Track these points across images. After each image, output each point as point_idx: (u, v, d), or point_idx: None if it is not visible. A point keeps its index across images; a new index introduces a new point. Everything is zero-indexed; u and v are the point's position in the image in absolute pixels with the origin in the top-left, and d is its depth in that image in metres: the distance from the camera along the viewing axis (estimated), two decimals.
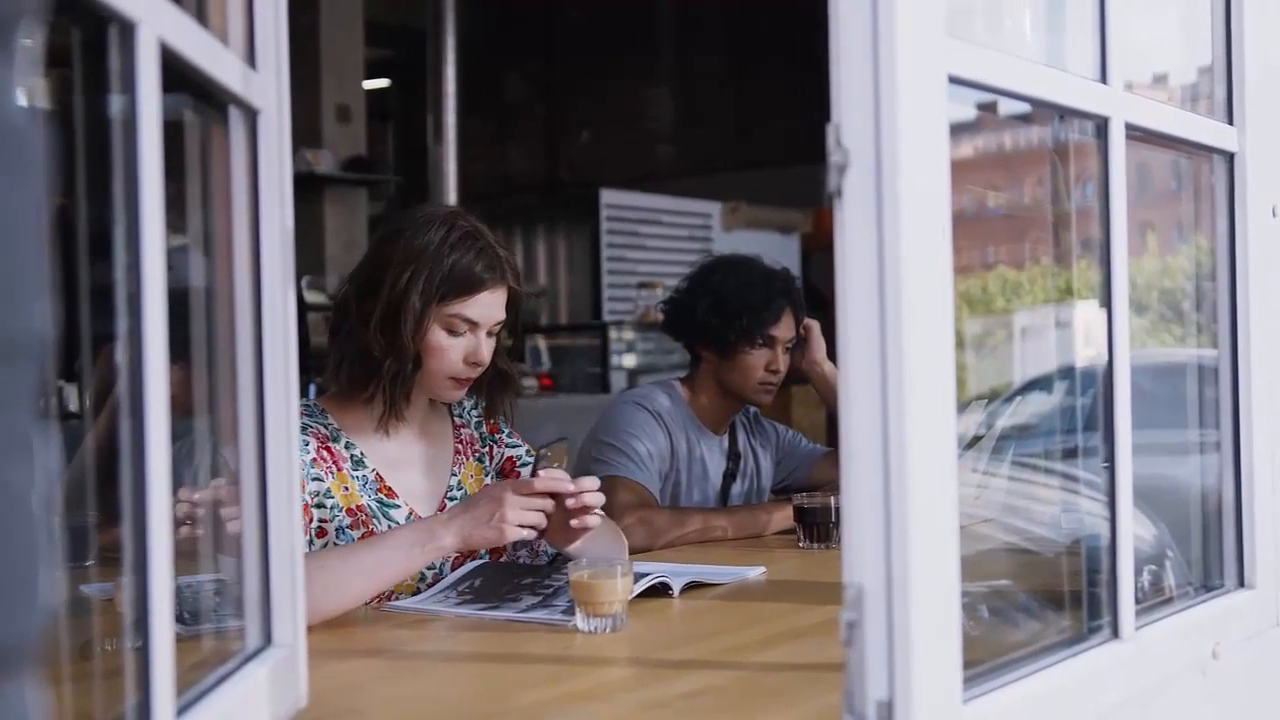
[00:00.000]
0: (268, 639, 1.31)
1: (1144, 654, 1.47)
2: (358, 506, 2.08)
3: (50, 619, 0.59)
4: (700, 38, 9.73)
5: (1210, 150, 1.73)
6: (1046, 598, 1.62)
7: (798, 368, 2.97)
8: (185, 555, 1.31)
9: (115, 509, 0.97)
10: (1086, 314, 1.67)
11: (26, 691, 0.57)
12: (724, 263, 2.96)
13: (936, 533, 1.12)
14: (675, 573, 2.09)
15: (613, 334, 7.56)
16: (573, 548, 2.05)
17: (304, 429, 2.05)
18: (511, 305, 2.15)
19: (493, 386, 2.22)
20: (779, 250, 7.36)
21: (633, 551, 2.53)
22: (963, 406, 1.21)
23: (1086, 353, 1.73)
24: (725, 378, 2.89)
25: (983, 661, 1.25)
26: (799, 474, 3.08)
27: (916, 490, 1.09)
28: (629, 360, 7.56)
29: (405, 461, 2.17)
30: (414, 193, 7.55)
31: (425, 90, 7.35)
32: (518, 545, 2.21)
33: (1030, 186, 1.91)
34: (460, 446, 2.26)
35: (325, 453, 2.08)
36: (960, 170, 1.18)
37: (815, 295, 4.82)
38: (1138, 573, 1.50)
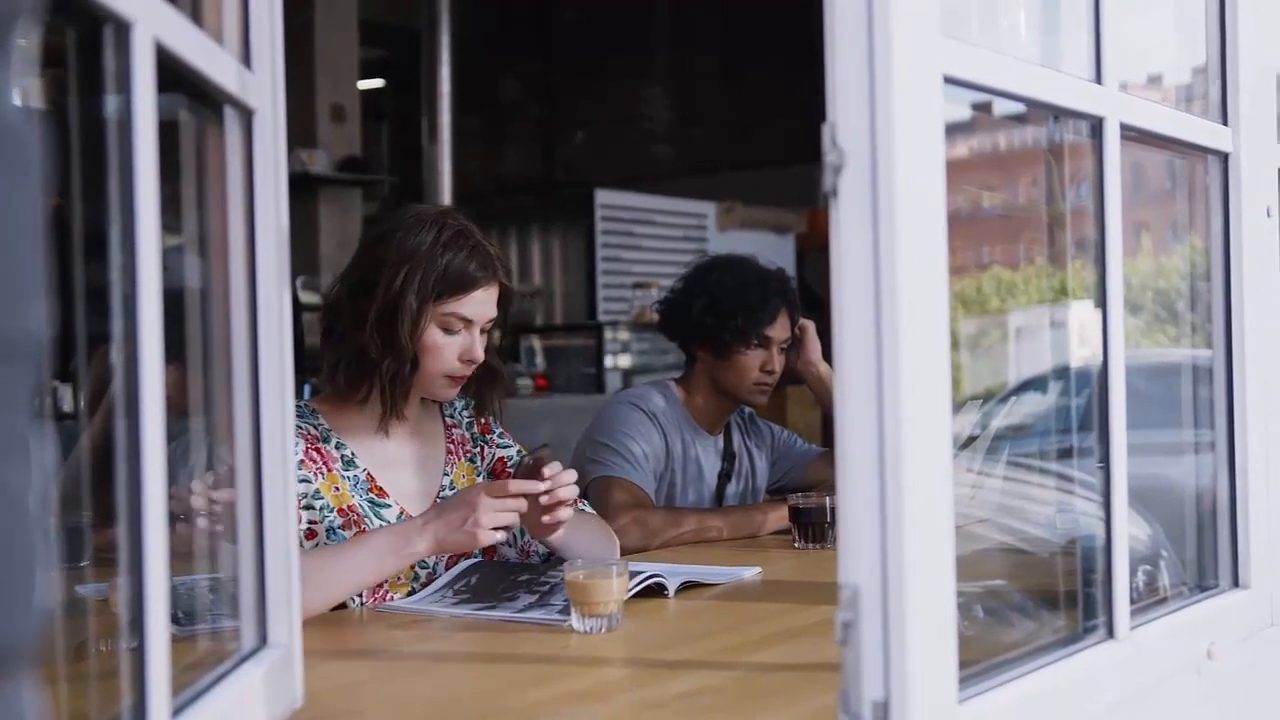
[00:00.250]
0: (263, 639, 1.30)
1: (1139, 654, 1.47)
2: (349, 506, 2.08)
3: (47, 619, 0.59)
4: (695, 38, 9.73)
5: (1205, 151, 1.74)
6: (1041, 598, 1.62)
7: (793, 368, 2.97)
8: (182, 555, 1.30)
9: (110, 509, 0.97)
10: (1081, 314, 1.67)
11: (24, 692, 0.57)
12: (719, 263, 2.96)
13: (932, 533, 1.12)
14: (670, 573, 2.09)
15: (608, 334, 7.56)
16: (556, 540, 2.06)
17: None
18: (502, 302, 2.18)
19: (482, 383, 2.23)
20: (774, 250, 7.36)
21: (628, 552, 2.54)
22: (957, 407, 1.21)
23: (1081, 353, 1.74)
24: (720, 378, 2.89)
25: (978, 661, 1.25)
26: (794, 474, 3.08)
27: (912, 490, 1.09)
28: (624, 360, 7.56)
29: (397, 461, 2.18)
30: (409, 193, 7.54)
31: (420, 90, 7.35)
32: (504, 542, 2.21)
33: (1025, 187, 1.91)
34: (452, 446, 2.27)
35: (314, 453, 2.08)
36: (955, 170, 1.18)
37: (810, 295, 4.82)
38: (1132, 573, 1.50)
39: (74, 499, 1.17)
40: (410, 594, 2.07)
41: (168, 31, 1.02)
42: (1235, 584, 1.73)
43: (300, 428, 2.09)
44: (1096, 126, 1.46)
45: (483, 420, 2.32)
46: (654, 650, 1.75)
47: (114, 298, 0.96)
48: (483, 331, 2.15)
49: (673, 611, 1.99)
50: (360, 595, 2.06)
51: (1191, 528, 1.81)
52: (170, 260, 1.03)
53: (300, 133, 6.89)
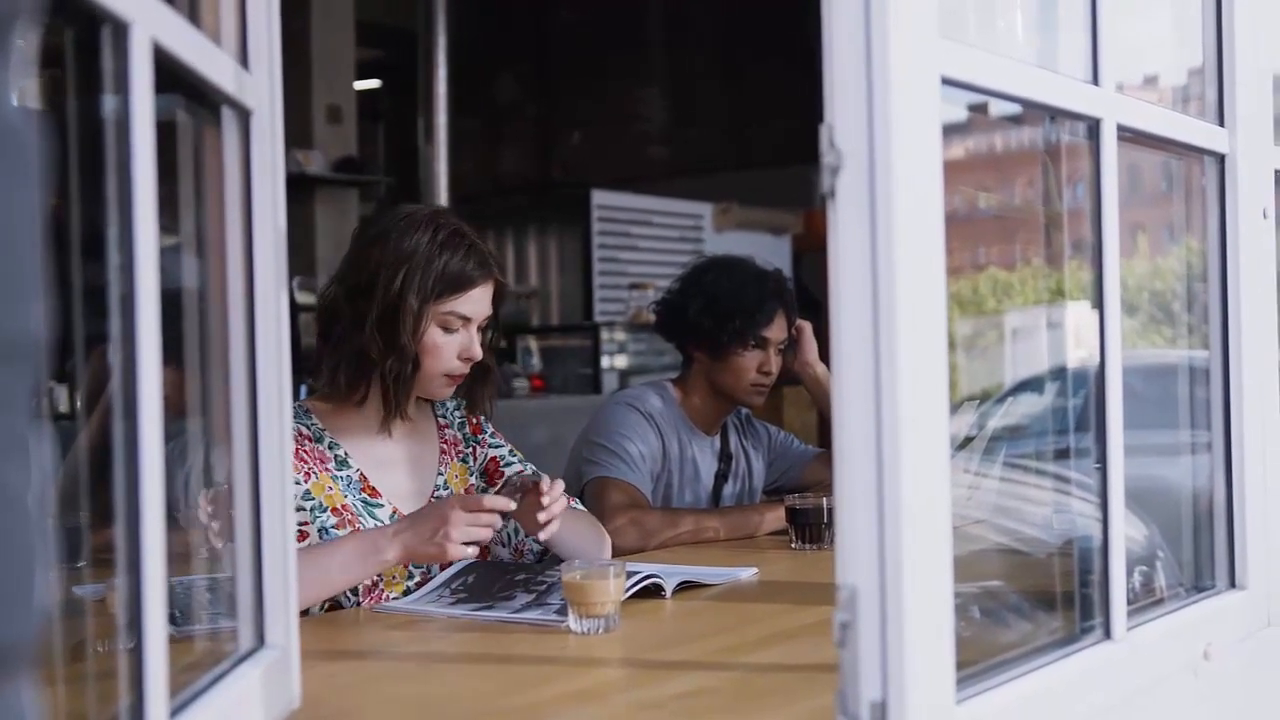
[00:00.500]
0: (261, 640, 1.30)
1: (1136, 655, 1.47)
2: (342, 506, 2.09)
3: (47, 620, 0.59)
4: (692, 39, 9.73)
5: (1202, 152, 1.74)
6: (1038, 598, 1.62)
7: (790, 369, 2.97)
8: (179, 556, 1.30)
9: (108, 510, 0.97)
10: (1078, 315, 1.67)
11: (24, 693, 0.57)
12: (716, 264, 2.96)
13: (930, 533, 1.13)
14: (668, 573, 2.09)
15: (604, 335, 7.56)
16: (544, 536, 2.06)
17: None
18: (496, 299, 2.20)
19: (474, 381, 2.24)
20: (770, 251, 7.36)
21: (625, 553, 2.54)
22: (954, 407, 1.21)
23: (1077, 354, 1.74)
24: (717, 379, 2.89)
25: (976, 662, 1.25)
26: (791, 475, 3.08)
27: (910, 491, 1.09)
28: (620, 361, 7.56)
29: (391, 462, 2.20)
30: (405, 193, 7.54)
31: (416, 91, 7.35)
32: (497, 542, 2.22)
33: (1021, 187, 1.91)
34: (445, 446, 2.29)
35: (305, 454, 2.09)
36: (951, 171, 1.18)
37: (807, 296, 4.83)
38: (1129, 573, 1.50)
39: (71, 499, 1.17)
40: (406, 593, 2.07)
41: (166, 32, 1.02)
42: (1232, 585, 1.73)
43: (293, 428, 2.10)
44: (1093, 128, 1.46)
45: (474, 420, 2.34)
46: (651, 651, 1.75)
47: (112, 298, 0.96)
48: (479, 329, 2.17)
49: (670, 612, 1.99)
50: (357, 595, 2.06)
51: (1188, 528, 1.81)
52: (167, 261, 1.03)
53: (296, 133, 6.89)
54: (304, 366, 3.33)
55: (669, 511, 2.77)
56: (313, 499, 2.07)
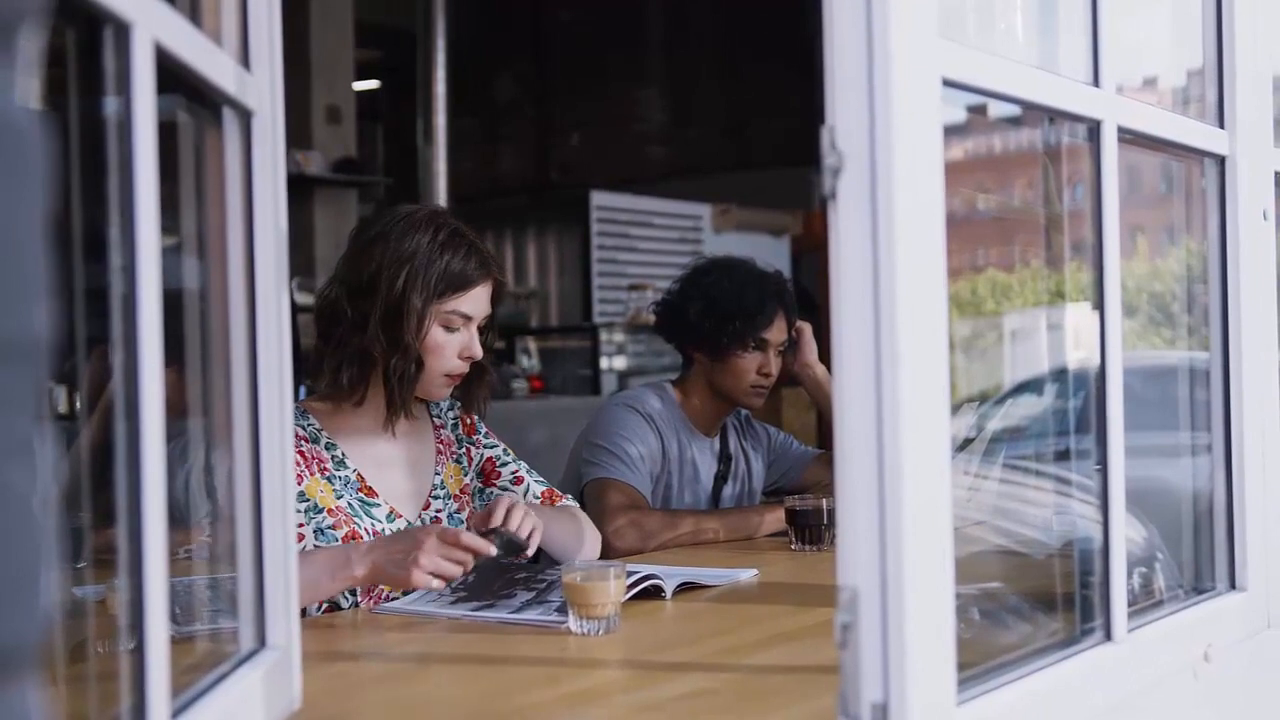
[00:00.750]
0: (261, 641, 1.30)
1: (1136, 656, 1.47)
2: (337, 507, 2.10)
3: (51, 622, 0.59)
4: (691, 40, 9.73)
5: (1202, 154, 1.74)
6: (1039, 600, 1.62)
7: (789, 370, 2.97)
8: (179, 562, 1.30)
9: (108, 510, 0.97)
10: (1076, 316, 1.67)
11: (28, 694, 0.57)
12: (716, 265, 2.96)
13: (931, 535, 1.13)
14: (668, 574, 2.09)
15: (603, 336, 7.55)
16: (529, 551, 2.07)
17: None
18: (495, 298, 2.21)
19: (470, 380, 2.25)
20: (769, 252, 7.37)
21: (625, 554, 2.54)
22: (954, 409, 1.21)
23: (1077, 355, 1.74)
24: (717, 380, 2.89)
25: (976, 664, 1.25)
26: (791, 476, 3.08)
27: (911, 493, 1.09)
28: (619, 362, 7.56)
29: (389, 462, 2.21)
30: (404, 194, 7.54)
31: (415, 91, 7.34)
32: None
33: (1020, 189, 1.91)
34: (441, 447, 2.31)
35: (301, 455, 2.09)
36: (950, 172, 1.19)
37: (806, 297, 4.82)
38: (1128, 575, 1.50)
39: (72, 500, 1.17)
40: (407, 593, 2.07)
41: (167, 33, 1.02)
42: (1232, 586, 1.73)
43: None
44: (1094, 129, 1.46)
45: (468, 421, 2.35)
46: (651, 652, 1.75)
47: (113, 299, 0.96)
48: (478, 328, 2.18)
49: (670, 614, 1.99)
50: (356, 596, 2.07)
51: (1188, 530, 1.81)
52: (168, 261, 1.03)
53: (295, 134, 6.88)
54: (302, 367, 3.33)
55: (669, 513, 2.77)
56: (307, 500, 2.07)
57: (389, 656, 1.77)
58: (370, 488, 2.16)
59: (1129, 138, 1.52)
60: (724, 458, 3.00)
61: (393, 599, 2.07)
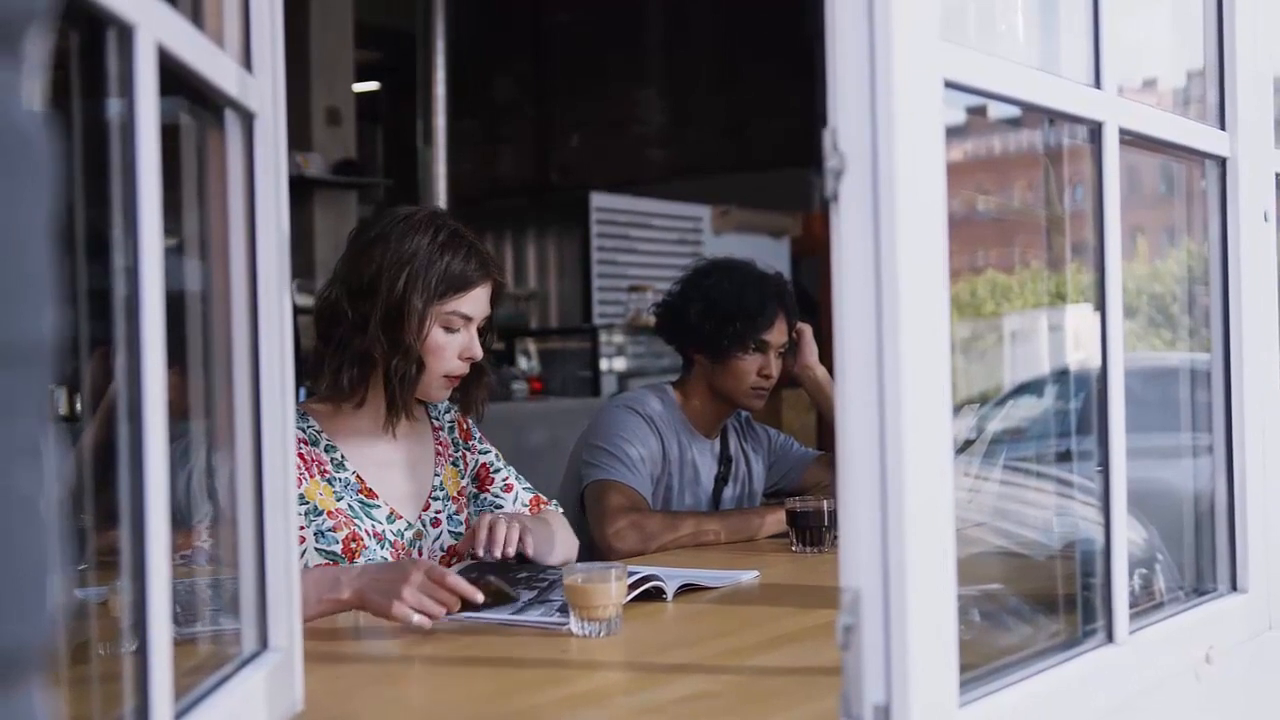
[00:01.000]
0: (264, 643, 1.30)
1: (1138, 658, 1.47)
2: (338, 509, 2.10)
3: (58, 624, 0.59)
4: (690, 41, 9.74)
5: (1203, 155, 1.74)
6: (1040, 601, 1.62)
7: (790, 372, 2.97)
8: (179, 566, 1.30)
9: (110, 512, 0.97)
10: (1076, 318, 1.67)
11: (35, 696, 0.57)
12: (717, 267, 2.96)
13: (933, 537, 1.13)
14: (669, 576, 2.09)
15: (603, 337, 7.54)
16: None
17: None
18: (495, 299, 2.22)
19: (467, 381, 2.25)
20: (769, 254, 7.36)
21: (625, 555, 2.54)
22: (954, 410, 1.21)
23: (1077, 357, 1.74)
24: (717, 382, 2.89)
25: (978, 665, 1.25)
26: (791, 478, 3.08)
27: (913, 494, 1.10)
28: (619, 364, 7.55)
29: (388, 463, 2.21)
30: (404, 195, 7.53)
31: (415, 93, 7.34)
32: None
33: (1020, 190, 1.91)
34: (440, 448, 2.31)
35: (300, 458, 2.09)
36: (949, 173, 1.19)
37: (805, 299, 4.82)
38: (1129, 576, 1.51)
39: (73, 501, 1.17)
40: None
41: (170, 35, 1.02)
42: (1233, 588, 1.73)
43: None
44: (1095, 131, 1.46)
45: (463, 425, 2.36)
46: (653, 654, 1.75)
47: (116, 300, 0.96)
48: (478, 329, 2.19)
49: (671, 615, 1.99)
50: None
51: (1189, 531, 1.82)
52: (170, 263, 1.03)
53: (295, 135, 6.84)
54: (302, 369, 3.33)
55: (669, 514, 2.77)
56: (307, 503, 2.08)
57: (390, 658, 1.76)
58: (370, 489, 2.17)
59: (1130, 139, 1.52)
60: (724, 459, 3.00)
61: None
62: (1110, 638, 1.44)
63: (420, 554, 2.20)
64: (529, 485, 2.40)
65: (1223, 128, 1.74)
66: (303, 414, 2.17)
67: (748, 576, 2.26)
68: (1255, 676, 1.76)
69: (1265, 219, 1.79)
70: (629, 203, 8.42)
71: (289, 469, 1.33)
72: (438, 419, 2.34)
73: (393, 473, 2.22)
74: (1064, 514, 1.77)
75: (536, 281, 8.68)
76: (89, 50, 0.95)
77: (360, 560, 2.10)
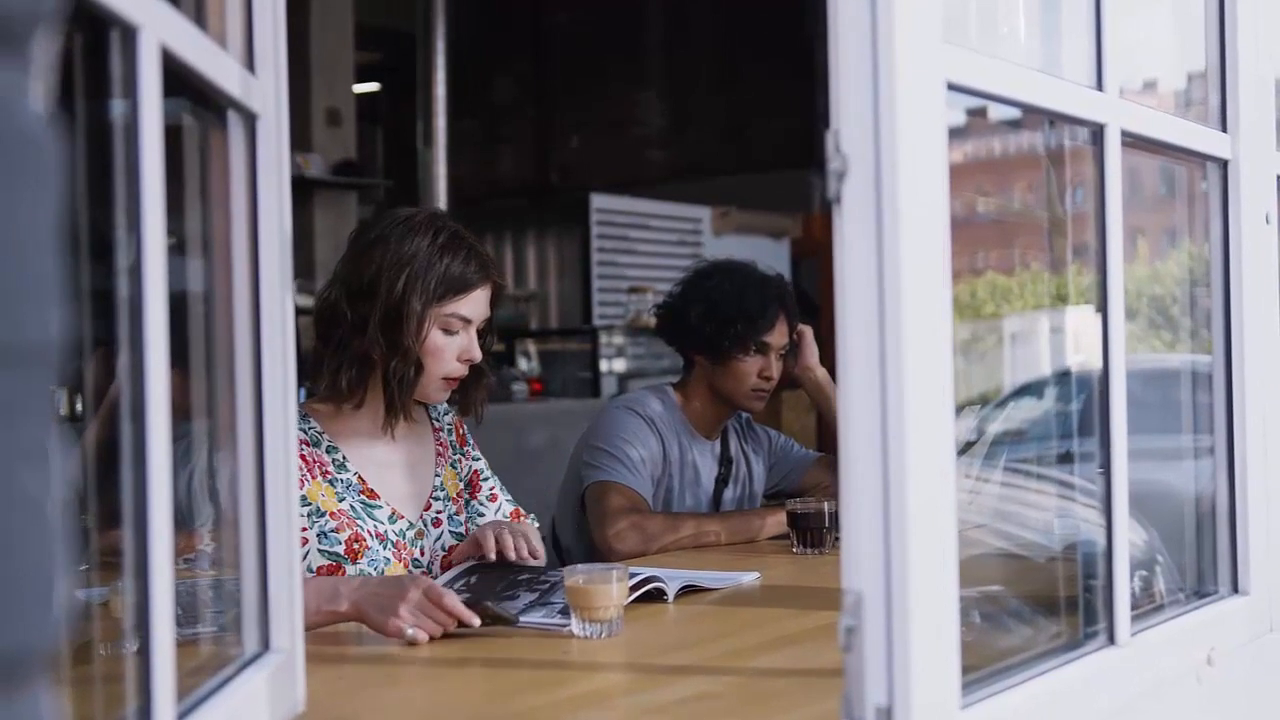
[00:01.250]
0: (265, 644, 1.30)
1: (1140, 660, 1.47)
2: (340, 509, 2.10)
3: (65, 626, 0.59)
4: (690, 42, 9.73)
5: (1204, 158, 1.74)
6: (1041, 603, 1.62)
7: (790, 373, 2.97)
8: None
9: (111, 512, 0.97)
10: (1077, 319, 1.67)
11: (41, 698, 0.57)
12: (718, 268, 2.95)
13: (935, 539, 1.13)
14: (670, 577, 2.09)
15: (603, 339, 7.54)
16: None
17: None
18: (494, 301, 2.22)
19: (467, 383, 2.25)
20: (769, 255, 7.35)
21: (626, 556, 2.54)
22: (955, 412, 1.21)
23: (1077, 358, 1.74)
24: (718, 384, 2.89)
25: (980, 667, 1.25)
26: (791, 479, 3.08)
27: (915, 497, 1.10)
28: (619, 365, 7.54)
29: (389, 464, 2.21)
30: (404, 196, 7.53)
31: (415, 94, 7.34)
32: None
33: (1020, 192, 1.91)
34: (440, 449, 2.32)
35: (302, 459, 2.09)
36: (950, 175, 1.19)
37: (806, 300, 4.82)
38: (1129, 578, 1.51)
39: (76, 502, 1.16)
40: None
41: (174, 36, 1.02)
42: (1235, 590, 1.73)
43: None
44: (1098, 133, 1.46)
45: (460, 430, 2.36)
46: (654, 655, 1.75)
47: (118, 300, 0.96)
48: (478, 332, 2.19)
49: (672, 616, 1.99)
50: None
51: (1190, 534, 1.82)
52: (172, 263, 1.03)
53: (295, 136, 6.81)
54: (301, 369, 3.33)
55: (670, 516, 2.77)
56: (309, 504, 2.08)
57: (392, 659, 1.76)
58: (372, 490, 2.17)
59: (1132, 141, 1.52)
60: (725, 461, 3.00)
61: None
62: (1112, 640, 1.44)
63: (422, 554, 2.20)
64: (510, 498, 2.40)
65: (1224, 130, 1.75)
66: (304, 415, 2.16)
67: (749, 578, 2.26)
68: (1256, 678, 1.76)
69: (1266, 221, 1.79)
70: (629, 204, 8.41)
71: (291, 470, 1.33)
72: (438, 420, 2.34)
73: (394, 473, 2.22)
74: (1065, 516, 1.77)
75: (536, 282, 8.67)
76: (93, 51, 0.95)
77: (363, 560, 2.10)
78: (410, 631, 1.77)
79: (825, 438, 3.95)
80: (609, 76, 9.85)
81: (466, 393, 2.27)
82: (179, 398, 1.12)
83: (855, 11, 1.10)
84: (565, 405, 6.68)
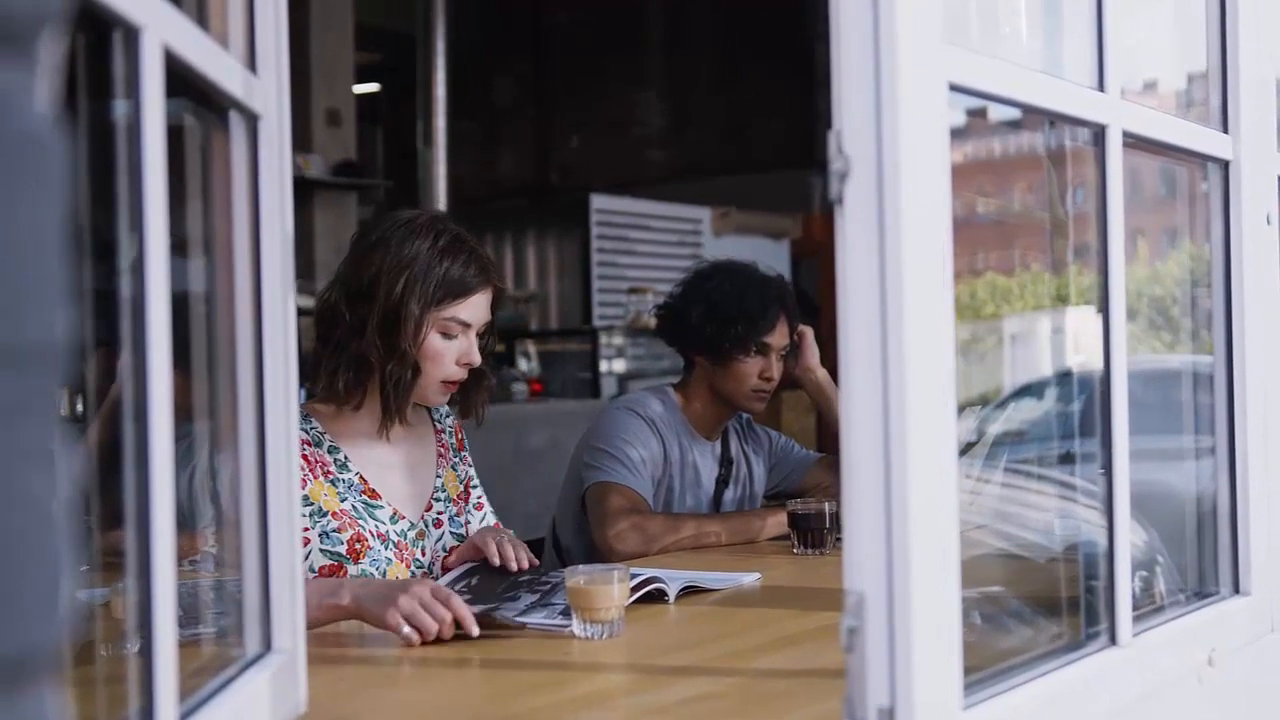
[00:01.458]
0: (267, 645, 1.30)
1: (1141, 660, 1.47)
2: (342, 510, 2.10)
3: (70, 627, 0.59)
4: (690, 42, 9.73)
5: (1205, 158, 1.74)
6: (1043, 604, 1.62)
7: (791, 374, 2.97)
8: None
9: (111, 513, 0.97)
10: (1077, 320, 1.67)
11: (47, 700, 0.57)
12: (719, 269, 2.96)
13: (937, 539, 1.13)
14: (671, 578, 2.09)
15: (603, 339, 7.54)
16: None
17: None
18: (495, 305, 2.21)
19: (467, 386, 2.25)
20: (769, 255, 7.35)
21: (627, 557, 2.54)
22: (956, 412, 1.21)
23: (1077, 359, 1.74)
24: (719, 384, 2.89)
25: (982, 668, 1.25)
26: (792, 480, 3.08)
27: (917, 497, 1.10)
28: (619, 365, 7.55)
29: (390, 465, 2.21)
30: (404, 197, 7.53)
31: (415, 94, 7.34)
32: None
33: (1020, 192, 1.91)
34: (442, 450, 2.32)
35: (304, 459, 2.09)
36: (952, 175, 1.19)
37: (806, 301, 4.81)
38: (1130, 578, 1.51)
39: (77, 502, 1.16)
40: None
41: (176, 37, 1.02)
42: (1236, 591, 1.73)
43: None
44: (1099, 134, 1.46)
45: (459, 436, 2.37)
46: (655, 656, 1.75)
47: (121, 301, 0.96)
48: (478, 335, 2.19)
49: (673, 617, 1.99)
50: None
51: (1191, 534, 1.82)
52: (174, 264, 1.03)
53: (296, 137, 6.82)
54: (301, 370, 3.34)
55: (670, 516, 2.77)
56: (311, 504, 2.08)
57: (394, 660, 1.76)
58: (373, 490, 2.17)
59: (1133, 142, 1.52)
60: (725, 461, 3.00)
61: None
62: (1113, 640, 1.44)
63: (423, 554, 2.20)
64: (492, 511, 2.40)
65: (1225, 131, 1.75)
66: (305, 415, 2.17)
67: (749, 578, 2.26)
68: (1257, 679, 1.76)
69: (1268, 222, 1.79)
70: (629, 204, 8.41)
71: (293, 470, 1.33)
72: (439, 422, 2.34)
73: (395, 474, 2.22)
74: (1066, 516, 1.77)
75: (536, 283, 8.67)
76: (95, 51, 0.95)
77: (365, 560, 2.10)
78: (406, 630, 1.76)
79: (825, 438, 3.95)
80: (609, 76, 9.86)
81: (467, 395, 2.27)
82: (181, 398, 1.12)
83: (857, 12, 1.10)
84: (565, 406, 6.68)
